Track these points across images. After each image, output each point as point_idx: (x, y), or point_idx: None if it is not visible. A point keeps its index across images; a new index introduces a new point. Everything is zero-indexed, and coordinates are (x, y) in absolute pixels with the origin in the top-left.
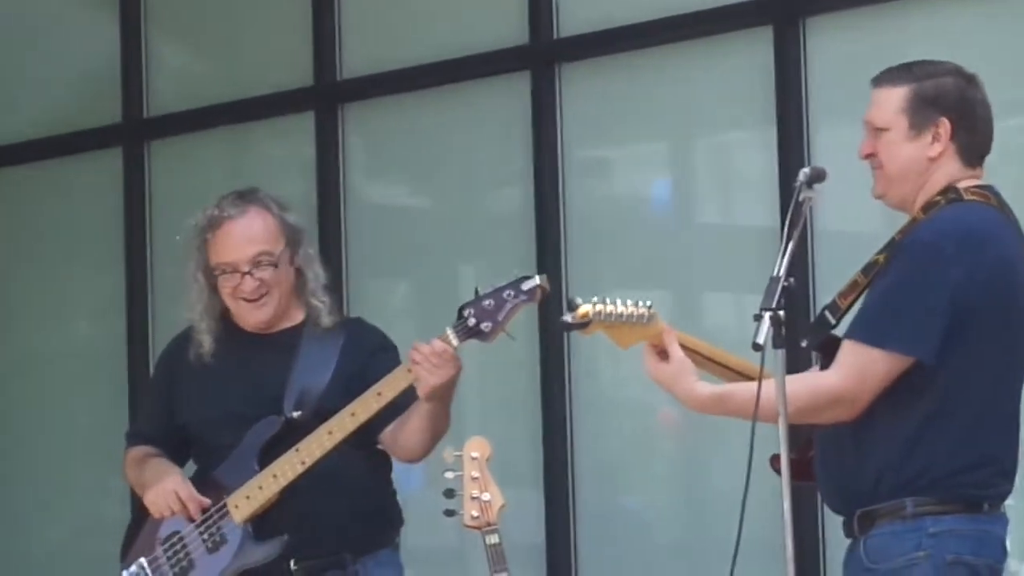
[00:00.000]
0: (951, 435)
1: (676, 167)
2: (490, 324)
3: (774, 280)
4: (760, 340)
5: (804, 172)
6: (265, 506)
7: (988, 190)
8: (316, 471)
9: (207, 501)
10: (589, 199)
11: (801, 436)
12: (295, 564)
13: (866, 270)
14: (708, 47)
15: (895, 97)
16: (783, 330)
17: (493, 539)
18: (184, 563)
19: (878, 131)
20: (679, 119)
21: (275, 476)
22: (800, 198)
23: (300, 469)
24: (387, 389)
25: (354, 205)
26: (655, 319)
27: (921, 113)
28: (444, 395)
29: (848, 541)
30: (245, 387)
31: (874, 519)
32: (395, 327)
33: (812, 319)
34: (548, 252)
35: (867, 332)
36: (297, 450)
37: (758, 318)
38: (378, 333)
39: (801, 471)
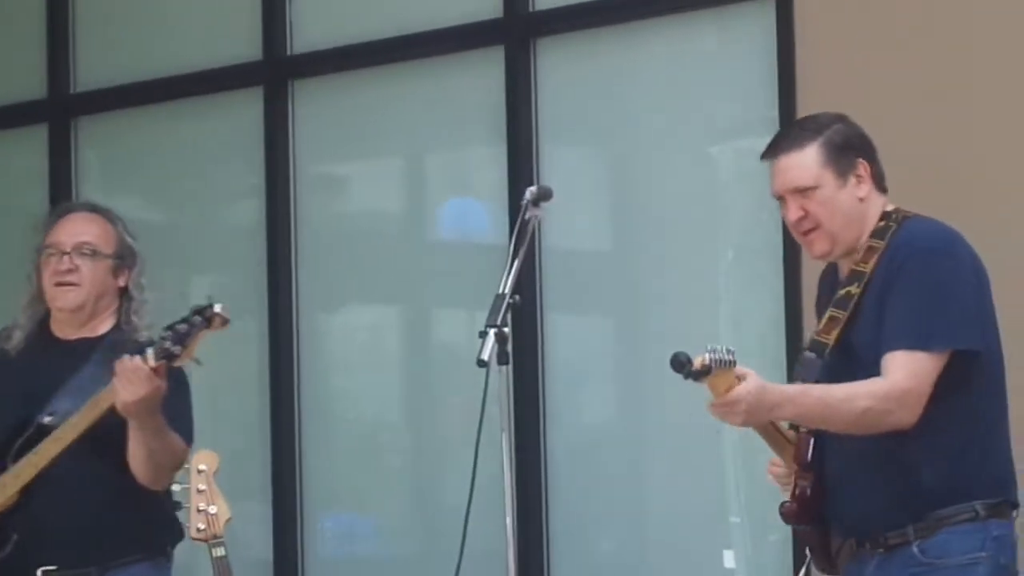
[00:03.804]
0: (995, 435)
1: (408, 184)
2: (179, 348)
3: (499, 297)
4: (485, 356)
5: (531, 190)
6: (6, 505)
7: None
8: (59, 479)
9: None
10: (322, 214)
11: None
12: (41, 574)
13: (840, 304)
14: (442, 66)
15: (810, 156)
16: (508, 346)
17: (219, 551)
18: None
19: (805, 192)
20: (412, 136)
21: (16, 476)
22: (527, 216)
23: (33, 472)
24: (103, 400)
25: None
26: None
27: (841, 161)
28: (143, 415)
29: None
30: (24, 388)
31: (937, 523)
32: None
33: (794, 364)
34: (280, 266)
35: (908, 339)
36: (36, 452)
37: (483, 334)
38: None
39: (801, 514)
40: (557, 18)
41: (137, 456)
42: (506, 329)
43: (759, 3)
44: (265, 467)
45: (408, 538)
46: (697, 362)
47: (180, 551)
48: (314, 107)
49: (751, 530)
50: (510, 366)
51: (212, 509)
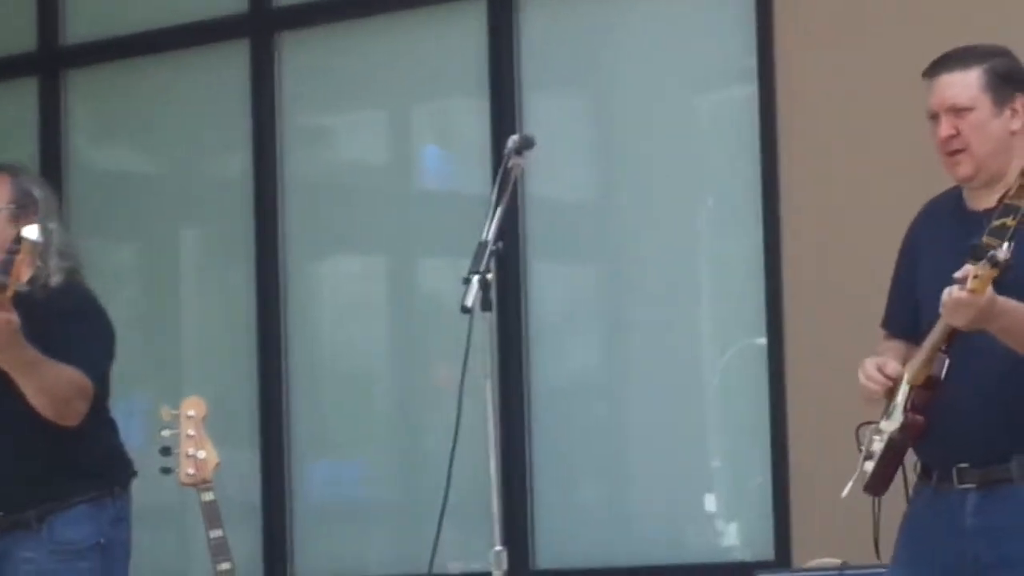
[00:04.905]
0: None
1: (394, 135)
2: (5, 277)
3: (482, 244)
4: (468, 303)
5: (513, 139)
6: None
7: None
8: None
9: None
10: (308, 165)
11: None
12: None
13: (995, 234)
14: (426, 17)
15: (972, 78)
16: (492, 293)
17: (208, 496)
18: None
19: (959, 112)
20: (397, 88)
21: None
22: (509, 165)
23: None
24: None
25: (77, 169)
26: None
27: (1001, 90)
28: (4, 351)
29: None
30: None
31: None
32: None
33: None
34: (266, 217)
35: None
36: None
37: (467, 281)
38: (70, 299)
39: (925, 428)
40: None
41: (27, 393)
42: (489, 276)
43: None
44: (253, 414)
45: (394, 483)
46: (1002, 253)
47: (170, 496)
48: (300, 59)
49: (732, 474)
50: (493, 313)
51: (201, 454)
